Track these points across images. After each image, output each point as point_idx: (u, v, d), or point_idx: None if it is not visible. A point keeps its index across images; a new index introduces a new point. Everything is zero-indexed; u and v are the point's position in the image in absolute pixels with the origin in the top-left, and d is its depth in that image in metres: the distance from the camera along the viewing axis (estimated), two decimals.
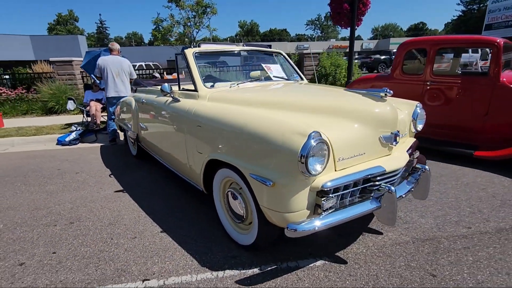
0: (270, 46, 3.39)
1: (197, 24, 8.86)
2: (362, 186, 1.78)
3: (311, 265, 1.89)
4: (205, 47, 2.75)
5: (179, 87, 2.66)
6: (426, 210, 2.54)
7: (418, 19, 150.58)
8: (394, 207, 1.70)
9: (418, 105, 2.39)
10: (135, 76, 5.06)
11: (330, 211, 1.65)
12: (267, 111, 1.92)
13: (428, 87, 3.85)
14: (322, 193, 1.63)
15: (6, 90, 8.59)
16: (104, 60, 4.80)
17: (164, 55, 25.06)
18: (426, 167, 2.02)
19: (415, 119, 2.31)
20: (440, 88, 3.75)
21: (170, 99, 2.65)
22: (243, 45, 2.99)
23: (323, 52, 9.81)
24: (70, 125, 6.40)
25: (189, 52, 2.59)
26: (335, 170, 1.66)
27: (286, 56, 3.34)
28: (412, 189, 2.01)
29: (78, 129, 5.76)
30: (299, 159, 1.44)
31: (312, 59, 9.46)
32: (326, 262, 1.92)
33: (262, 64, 2.84)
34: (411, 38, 4.27)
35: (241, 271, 1.86)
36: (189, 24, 8.49)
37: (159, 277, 1.83)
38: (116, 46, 5.04)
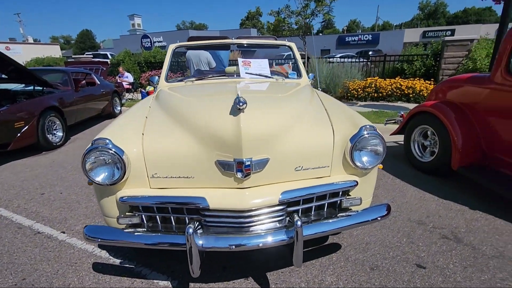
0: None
1: (315, 13, 8.50)
2: (190, 215, 1.45)
3: (155, 281, 1.75)
4: (190, 42, 2.80)
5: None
6: None
7: None
8: (196, 255, 1.29)
9: (366, 126, 1.50)
10: (212, 66, 5.68)
11: (140, 229, 1.48)
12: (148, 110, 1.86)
13: None
14: (133, 208, 1.49)
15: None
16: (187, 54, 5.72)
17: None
18: (298, 223, 1.29)
19: (352, 144, 1.47)
20: None
21: None
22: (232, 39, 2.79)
23: (481, 39, 6.97)
24: None
25: (171, 47, 2.74)
26: (150, 187, 1.45)
27: (294, 51, 2.83)
28: (284, 243, 1.38)
29: None
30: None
31: (459, 48, 6.98)
32: (169, 287, 1.71)
33: (239, 59, 2.56)
34: None
35: (104, 254, 2.00)
36: (304, 13, 8.29)
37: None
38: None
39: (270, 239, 1.37)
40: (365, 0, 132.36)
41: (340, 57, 11.58)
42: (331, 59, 9.63)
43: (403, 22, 62.85)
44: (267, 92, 2.08)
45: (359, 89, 8.00)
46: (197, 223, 1.38)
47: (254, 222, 1.40)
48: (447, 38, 7.22)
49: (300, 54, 2.91)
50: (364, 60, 9.90)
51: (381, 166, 1.68)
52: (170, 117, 1.64)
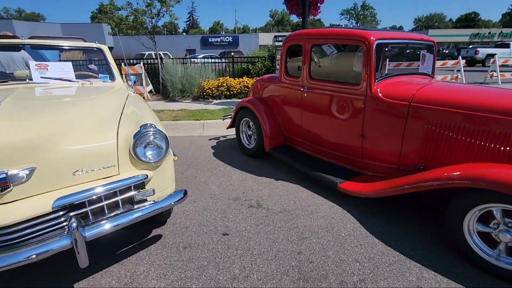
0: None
1: (161, 13, 8.43)
2: None
3: None
4: None
5: None
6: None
7: (470, 9, 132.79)
8: None
9: (146, 125, 1.71)
10: None
11: None
12: None
13: (305, 94, 3.02)
14: None
15: None
16: None
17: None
18: (74, 225, 1.38)
19: (134, 141, 1.63)
20: (317, 97, 2.92)
21: None
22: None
23: None
24: None
25: None
26: None
27: (106, 53, 2.78)
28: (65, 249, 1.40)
29: None
30: None
31: None
32: None
33: (33, 62, 2.31)
34: (294, 32, 3.40)
35: None
36: (149, 12, 8.09)
37: None
38: None
39: (48, 248, 1.35)
40: (227, 3, 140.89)
41: (203, 57, 12.02)
42: (188, 60, 9.85)
43: (259, 26, 71.16)
44: (50, 99, 1.97)
45: (214, 88, 8.59)
46: None
47: (26, 235, 1.34)
48: (277, 44, 8.74)
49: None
50: (224, 61, 10.64)
51: (176, 158, 1.93)
52: None
